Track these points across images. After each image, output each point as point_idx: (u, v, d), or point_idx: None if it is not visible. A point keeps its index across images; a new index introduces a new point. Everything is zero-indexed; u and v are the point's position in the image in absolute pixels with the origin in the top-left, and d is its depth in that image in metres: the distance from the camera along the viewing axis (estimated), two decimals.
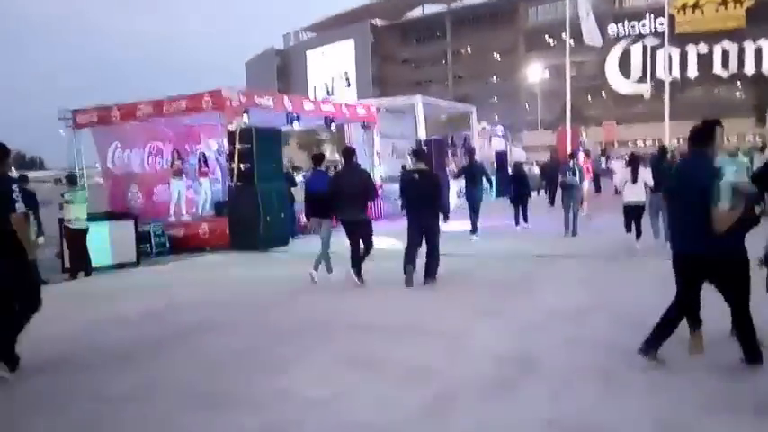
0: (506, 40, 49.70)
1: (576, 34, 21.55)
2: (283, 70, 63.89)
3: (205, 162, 11.97)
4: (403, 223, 6.36)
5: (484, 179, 10.31)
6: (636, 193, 7.58)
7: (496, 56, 51.02)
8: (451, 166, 15.03)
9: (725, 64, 41.34)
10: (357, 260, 6.10)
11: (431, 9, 54.99)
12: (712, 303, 3.40)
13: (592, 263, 6.93)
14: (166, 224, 10.22)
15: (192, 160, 12.02)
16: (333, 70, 56.94)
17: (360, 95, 43.46)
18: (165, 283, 6.98)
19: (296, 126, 11.42)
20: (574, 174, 9.52)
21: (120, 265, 8.32)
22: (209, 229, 9.87)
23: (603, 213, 10.74)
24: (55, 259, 8.15)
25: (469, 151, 11.81)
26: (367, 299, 5.63)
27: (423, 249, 6.06)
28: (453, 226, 10.18)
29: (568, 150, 15.04)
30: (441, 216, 6.32)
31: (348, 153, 6.43)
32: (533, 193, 13.13)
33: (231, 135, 9.21)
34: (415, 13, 56.69)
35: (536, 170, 20.49)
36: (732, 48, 40.76)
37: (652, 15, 41.24)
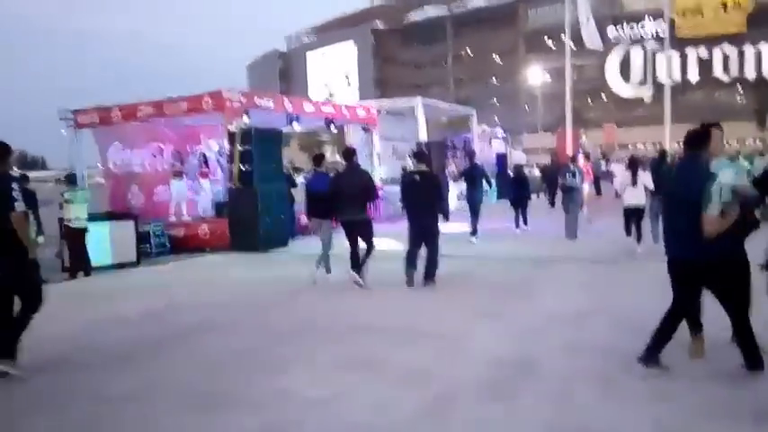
0: (507, 43, 49.78)
1: (577, 37, 21.62)
2: (285, 72, 64.00)
3: (206, 163, 11.99)
4: (403, 225, 6.37)
5: (484, 181, 10.33)
6: (636, 196, 7.59)
7: (497, 58, 51.09)
8: (451, 168, 15.05)
9: (725, 68, 41.35)
10: (356, 261, 6.11)
11: (432, 12, 55.10)
12: (713, 308, 3.39)
13: (592, 266, 6.93)
14: (167, 224, 10.23)
15: (192, 161, 12.04)
16: (334, 72, 57.04)
17: (361, 97, 43.50)
18: (164, 283, 6.99)
19: (296, 127, 11.44)
20: (574, 176, 9.52)
21: (121, 265, 8.32)
22: (210, 230, 9.88)
23: (604, 216, 10.74)
24: (55, 259, 8.15)
25: (470, 154, 11.84)
26: (367, 300, 5.63)
27: (423, 250, 6.06)
28: (453, 227, 10.17)
29: (569, 153, 15.05)
30: (441, 217, 6.33)
31: (348, 153, 6.45)
32: (533, 196, 13.15)
33: (231, 136, 9.24)
34: (416, 15, 56.80)
35: (536, 172, 20.49)
36: (733, 52, 40.78)
37: (652, 19, 41.32)
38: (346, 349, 4.06)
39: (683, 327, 3.49)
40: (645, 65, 42.57)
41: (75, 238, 7.56)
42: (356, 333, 4.45)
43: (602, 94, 45.59)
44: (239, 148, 9.06)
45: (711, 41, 40.78)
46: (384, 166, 13.67)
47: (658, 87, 36.35)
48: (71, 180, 7.91)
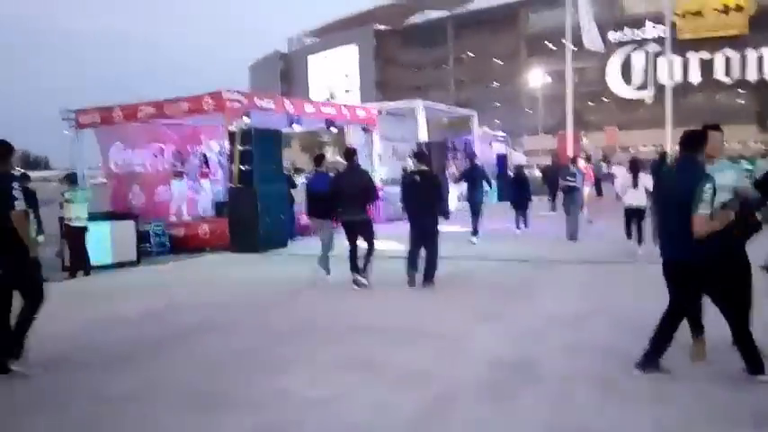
0: (508, 46, 49.85)
1: (578, 40, 21.57)
2: (287, 74, 64.16)
3: (206, 163, 12.00)
4: (403, 225, 6.36)
5: (484, 182, 10.33)
6: (637, 198, 7.58)
7: (498, 61, 51.14)
8: (452, 170, 15.04)
9: (727, 71, 41.38)
10: (355, 262, 6.13)
11: (433, 14, 55.19)
12: (714, 309, 3.36)
13: (592, 267, 6.92)
14: (167, 224, 10.23)
15: (193, 161, 12.05)
16: (335, 74, 57.16)
17: (363, 99, 43.56)
18: (164, 282, 6.98)
19: (296, 128, 11.45)
20: (574, 177, 9.52)
21: (121, 265, 8.32)
22: (210, 230, 9.89)
23: (604, 218, 10.73)
24: (55, 258, 8.15)
25: (470, 155, 11.84)
26: (366, 300, 5.63)
27: (423, 251, 6.05)
28: (454, 228, 10.17)
29: (569, 154, 15.04)
30: (441, 216, 6.33)
31: (349, 153, 6.46)
32: (534, 197, 13.15)
33: (231, 136, 9.24)
34: (418, 18, 56.90)
35: (537, 173, 20.49)
36: (734, 55, 40.81)
37: (653, 22, 41.36)
38: (346, 349, 4.06)
39: (685, 328, 3.48)
40: (646, 67, 42.59)
41: (75, 238, 7.56)
42: (356, 333, 4.45)
43: (604, 97, 45.62)
44: (239, 148, 9.06)
45: (713, 44, 40.81)
46: (384, 167, 13.67)
47: (659, 89, 36.37)
48: (72, 180, 7.91)
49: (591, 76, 43.53)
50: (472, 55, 52.37)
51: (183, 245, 9.68)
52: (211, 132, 12.19)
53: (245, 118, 9.57)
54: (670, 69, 23.90)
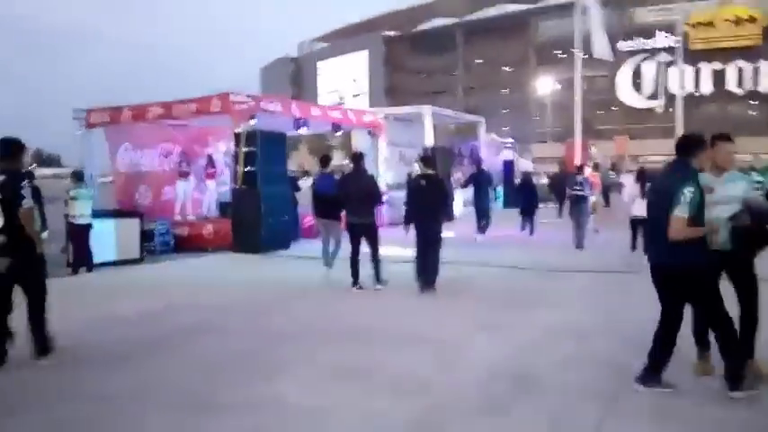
0: (517, 53, 49.77)
1: (588, 49, 21.50)
2: (297, 78, 64.56)
3: (212, 164, 12.05)
4: (403, 230, 6.31)
5: (490, 189, 10.31)
6: (643, 208, 7.47)
7: (507, 68, 51.08)
8: (458, 175, 14.98)
9: (739, 82, 41.01)
10: (357, 267, 6.14)
11: (443, 21, 55.32)
12: None
13: (596, 277, 6.82)
14: (172, 223, 10.27)
15: (200, 162, 12.10)
16: (345, 79, 57.40)
17: (372, 104, 43.69)
18: (165, 281, 6.98)
19: (303, 131, 11.46)
20: (582, 186, 9.45)
21: (124, 262, 8.35)
22: (213, 230, 9.93)
23: (611, 227, 10.61)
24: (60, 254, 8.18)
25: (477, 161, 11.80)
26: (366, 304, 5.57)
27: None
28: (458, 231, 10.14)
29: (576, 163, 14.93)
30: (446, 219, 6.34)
31: (356, 157, 6.48)
32: (541, 204, 13.08)
33: (237, 137, 9.27)
34: (427, 25, 57.06)
35: (544, 181, 20.38)
36: (746, 66, 40.46)
37: (665, 32, 41.14)
38: (343, 354, 4.01)
39: (691, 344, 3.39)
40: (657, 77, 42.33)
41: (78, 235, 7.61)
42: (353, 338, 4.39)
43: (614, 106, 45.37)
44: (244, 149, 9.09)
45: (725, 55, 40.49)
46: (390, 172, 13.65)
47: (670, 99, 36.10)
48: (78, 177, 7.97)
49: (601, 85, 43.32)
50: (481, 62, 52.37)
51: (187, 244, 9.71)
52: (219, 134, 12.25)
53: (252, 120, 9.61)
54: (681, 79, 23.73)
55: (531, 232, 10.80)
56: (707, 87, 41.52)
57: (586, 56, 21.19)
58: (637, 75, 44.14)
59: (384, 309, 5.40)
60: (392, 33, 57.96)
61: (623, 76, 44.64)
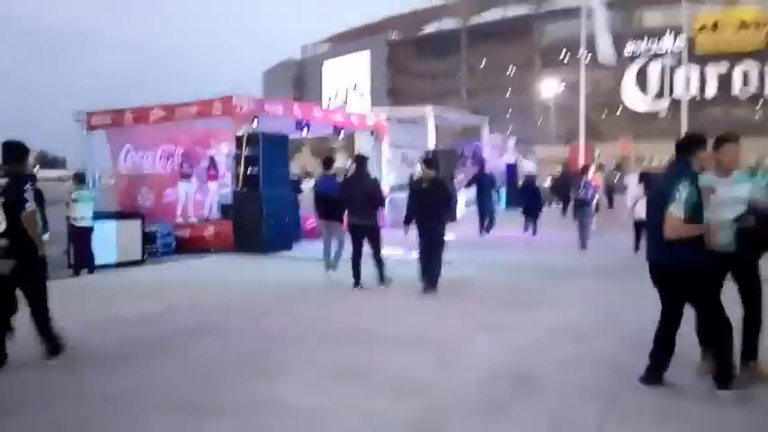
0: (522, 56, 49.73)
1: (593, 51, 21.46)
2: (300, 80, 64.77)
3: (214, 166, 12.08)
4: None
5: (493, 191, 10.29)
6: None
7: (511, 71, 51.05)
8: (461, 177, 14.95)
9: (745, 84, 40.82)
10: (358, 269, 6.15)
11: (447, 24, 55.39)
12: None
13: (598, 278, 6.77)
14: (174, 225, 10.28)
15: (203, 164, 12.13)
16: (348, 82, 57.55)
17: (374, 106, 43.74)
18: (166, 283, 6.97)
19: (304, 133, 11.47)
20: (586, 189, 9.41)
21: (125, 264, 8.35)
22: (215, 232, 9.92)
23: (615, 229, 10.55)
24: (62, 255, 8.21)
25: (480, 162, 11.78)
26: (367, 305, 5.55)
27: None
28: (461, 232, 10.11)
29: (580, 165, 14.89)
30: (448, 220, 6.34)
31: (359, 160, 6.49)
32: (544, 206, 13.06)
33: (239, 140, 9.28)
34: (432, 27, 57.14)
35: (546, 183, 20.33)
36: (752, 69, 40.28)
37: (671, 36, 41.01)
38: (343, 355, 3.98)
39: (692, 344, 3.34)
40: (662, 79, 42.20)
41: (79, 237, 7.62)
42: (354, 339, 4.37)
43: (618, 108, 45.24)
44: (246, 152, 9.10)
45: (731, 59, 40.32)
46: (393, 173, 13.64)
47: (675, 102, 35.96)
48: (80, 179, 7.99)
49: (606, 87, 43.20)
50: (485, 65, 52.37)
51: (189, 246, 9.71)
52: (221, 136, 12.28)
53: (254, 122, 9.63)
54: (686, 82, 23.63)
55: (534, 233, 10.77)
56: (712, 90, 41.34)
57: (591, 58, 21.14)
58: (642, 77, 44.02)
59: (385, 309, 5.38)
60: (396, 37, 58.08)
61: (628, 79, 44.53)
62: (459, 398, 3.20)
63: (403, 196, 9.00)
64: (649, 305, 3.41)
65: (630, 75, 44.37)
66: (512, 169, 19.53)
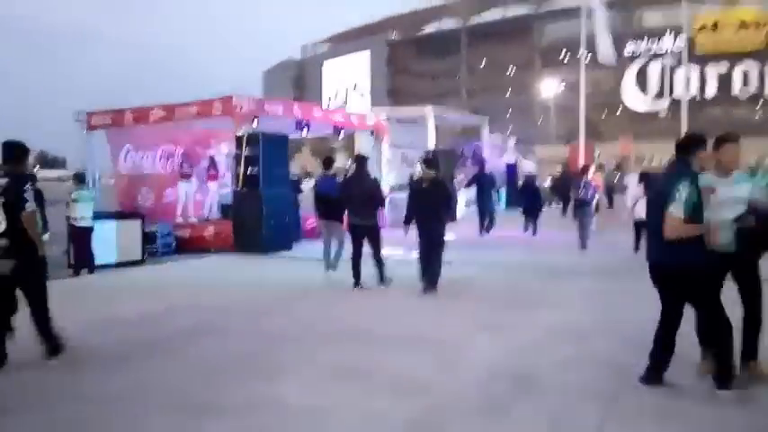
0: (522, 56, 49.72)
1: (593, 51, 21.46)
2: (300, 80, 64.77)
3: (214, 166, 12.08)
4: (402, 231, 6.29)
5: (493, 191, 10.29)
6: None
7: (511, 71, 51.04)
8: (461, 177, 14.95)
9: (745, 84, 40.83)
10: (358, 269, 6.15)
11: (447, 24, 55.37)
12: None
13: (598, 278, 6.77)
14: (174, 225, 10.28)
15: (203, 164, 12.13)
16: (348, 82, 57.55)
17: (374, 107, 43.73)
18: (166, 283, 6.97)
19: (304, 133, 11.47)
20: (586, 190, 9.41)
21: (126, 264, 8.35)
22: (215, 232, 9.92)
23: (615, 229, 10.55)
24: (62, 255, 8.20)
25: (479, 162, 11.78)
26: (367, 306, 5.55)
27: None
28: (461, 232, 10.11)
29: (580, 165, 14.90)
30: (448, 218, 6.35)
31: (359, 160, 6.48)
32: (545, 206, 13.07)
33: (239, 140, 9.28)
34: (432, 27, 57.12)
35: (546, 183, 20.32)
36: (752, 69, 40.28)
37: (671, 35, 41.01)
38: (343, 355, 3.98)
39: (692, 343, 3.34)
40: (662, 79, 42.20)
41: (79, 237, 7.62)
42: (354, 339, 4.37)
43: (618, 108, 45.24)
44: (245, 151, 9.10)
45: (731, 59, 40.32)
46: (393, 174, 13.64)
47: (675, 102, 35.96)
48: (80, 179, 7.99)
49: (606, 87, 43.20)
50: (485, 65, 52.36)
51: (189, 246, 9.70)
52: (222, 136, 12.28)
53: (254, 122, 9.62)
54: (686, 82, 23.62)
55: (535, 233, 10.77)
56: (712, 90, 41.34)
57: (591, 58, 21.14)
58: (642, 77, 44.03)
59: (385, 309, 5.38)
60: (396, 37, 58.07)
61: (628, 79, 44.52)
62: (459, 398, 3.19)
63: (403, 196, 9.00)
64: (649, 305, 3.41)
65: (630, 75, 44.38)
66: (512, 169, 19.53)
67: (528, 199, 11.19)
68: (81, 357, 3.95)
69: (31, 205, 3.69)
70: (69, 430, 2.92)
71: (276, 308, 5.53)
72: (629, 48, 42.74)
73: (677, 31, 33.73)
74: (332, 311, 5.36)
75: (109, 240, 8.31)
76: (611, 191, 17.84)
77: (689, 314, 3.24)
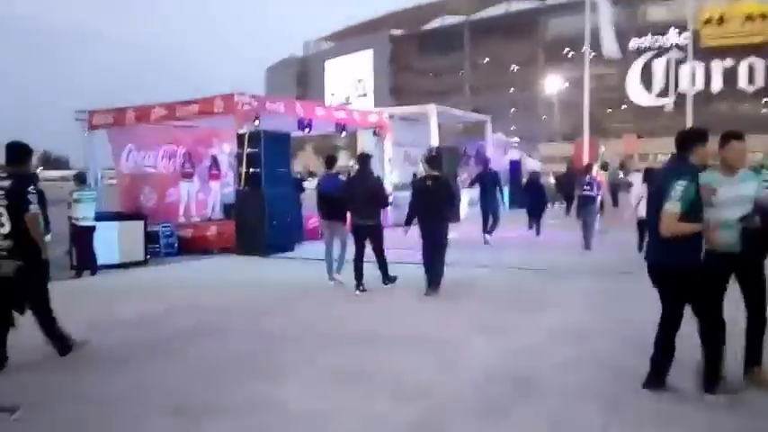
0: (525, 52, 49.48)
1: (597, 46, 21.27)
2: (302, 78, 64.77)
3: (216, 165, 12.06)
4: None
5: (497, 190, 10.19)
6: None
7: (515, 67, 50.79)
8: (464, 176, 14.88)
9: (750, 79, 40.45)
10: (361, 270, 6.10)
11: (450, 20, 55.12)
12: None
13: (601, 279, 6.71)
14: (176, 225, 10.28)
15: (205, 163, 12.12)
16: (351, 78, 57.46)
17: (377, 104, 43.64)
18: (168, 284, 6.98)
19: (307, 131, 11.43)
20: (590, 187, 9.33)
21: (128, 265, 8.35)
22: (217, 232, 9.92)
23: (619, 228, 10.46)
24: (64, 256, 8.22)
25: (483, 161, 11.69)
26: (368, 307, 5.53)
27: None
28: (464, 232, 10.06)
29: (585, 162, 14.78)
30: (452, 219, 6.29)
31: (362, 159, 6.44)
32: (548, 205, 12.99)
33: (240, 138, 9.25)
34: (434, 23, 56.89)
35: (551, 180, 20.20)
36: (758, 63, 39.90)
37: (676, 29, 40.67)
38: (343, 357, 3.96)
39: (692, 346, 3.28)
40: (667, 75, 41.85)
41: (81, 237, 7.63)
42: (355, 340, 4.35)
43: (623, 104, 44.96)
44: (247, 150, 9.06)
45: (737, 52, 39.95)
46: (396, 172, 13.58)
47: (680, 97, 35.68)
48: (81, 179, 7.99)
49: (610, 83, 42.93)
50: (489, 61, 52.11)
51: (191, 246, 9.71)
52: (224, 135, 12.26)
53: (256, 121, 9.58)
54: (692, 77, 23.38)
55: (538, 233, 10.69)
56: (717, 85, 40.99)
57: (596, 54, 20.96)
58: (647, 72, 43.73)
59: (386, 311, 5.35)
60: (398, 32, 57.87)
61: (633, 74, 44.22)
62: (460, 400, 3.17)
63: (405, 195, 8.96)
64: (652, 306, 3.36)
65: (635, 70, 44.08)
66: (515, 166, 19.41)
67: (532, 197, 11.10)
68: (81, 358, 3.96)
69: (34, 207, 3.69)
70: (69, 431, 2.91)
71: (277, 309, 5.52)
72: (634, 42, 42.40)
73: (683, 25, 33.38)
74: (333, 313, 5.34)
75: (111, 241, 8.32)
76: (616, 189, 17.70)
77: (689, 315, 3.19)
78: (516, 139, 23.06)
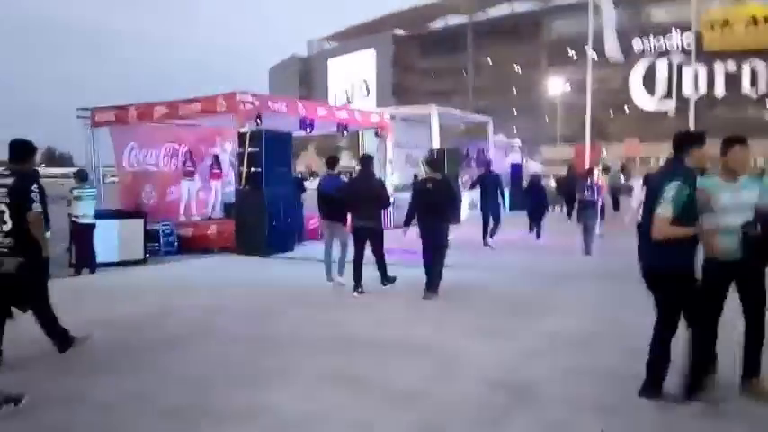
0: (528, 54, 49.42)
1: (600, 49, 21.25)
2: (305, 77, 64.80)
3: (217, 164, 12.06)
4: (409, 233, 6.23)
5: (498, 192, 10.16)
6: None
7: (517, 69, 50.73)
8: (465, 178, 14.86)
9: (753, 83, 40.35)
10: (360, 271, 6.08)
11: (453, 21, 55.10)
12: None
13: (601, 284, 6.68)
14: (176, 224, 10.28)
15: (206, 162, 12.11)
16: (353, 78, 57.46)
17: (379, 105, 43.62)
18: (166, 283, 6.96)
19: (308, 131, 11.41)
20: (591, 191, 9.30)
21: (127, 263, 8.35)
22: (218, 231, 9.91)
23: (620, 233, 10.42)
24: (64, 253, 8.22)
25: (485, 163, 11.67)
26: (366, 310, 5.50)
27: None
28: (464, 234, 10.04)
29: (586, 166, 14.74)
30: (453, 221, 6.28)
31: (364, 160, 6.43)
32: (549, 208, 12.95)
33: (241, 137, 9.23)
34: (438, 24, 56.88)
35: (552, 184, 20.16)
36: (762, 67, 39.78)
37: (679, 31, 40.59)
38: (339, 362, 3.94)
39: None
40: (670, 78, 41.77)
41: (81, 235, 7.62)
42: (352, 345, 4.33)
43: (625, 108, 44.87)
44: (248, 149, 9.05)
45: (740, 56, 39.84)
46: (397, 173, 13.57)
47: (683, 101, 35.58)
48: (82, 177, 7.98)
49: (613, 86, 42.84)
50: (491, 63, 52.08)
51: (191, 245, 9.70)
52: (226, 134, 12.26)
53: (256, 120, 9.57)
54: (695, 81, 23.35)
55: (539, 236, 10.66)
56: (720, 89, 40.89)
57: (598, 58, 20.90)
58: (650, 76, 43.62)
59: (385, 314, 5.33)
60: (401, 33, 57.84)
61: (636, 78, 44.12)
62: (457, 408, 3.15)
63: (406, 196, 8.94)
64: (653, 312, 3.33)
65: (638, 73, 43.98)
66: (517, 169, 19.38)
67: (533, 199, 11.06)
68: (78, 359, 3.94)
69: (37, 206, 3.68)
70: None
71: (275, 310, 5.49)
72: (637, 45, 42.30)
73: (686, 28, 33.30)
74: (330, 315, 5.32)
75: (111, 239, 8.31)
76: (617, 193, 17.65)
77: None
78: (518, 141, 22.98)
